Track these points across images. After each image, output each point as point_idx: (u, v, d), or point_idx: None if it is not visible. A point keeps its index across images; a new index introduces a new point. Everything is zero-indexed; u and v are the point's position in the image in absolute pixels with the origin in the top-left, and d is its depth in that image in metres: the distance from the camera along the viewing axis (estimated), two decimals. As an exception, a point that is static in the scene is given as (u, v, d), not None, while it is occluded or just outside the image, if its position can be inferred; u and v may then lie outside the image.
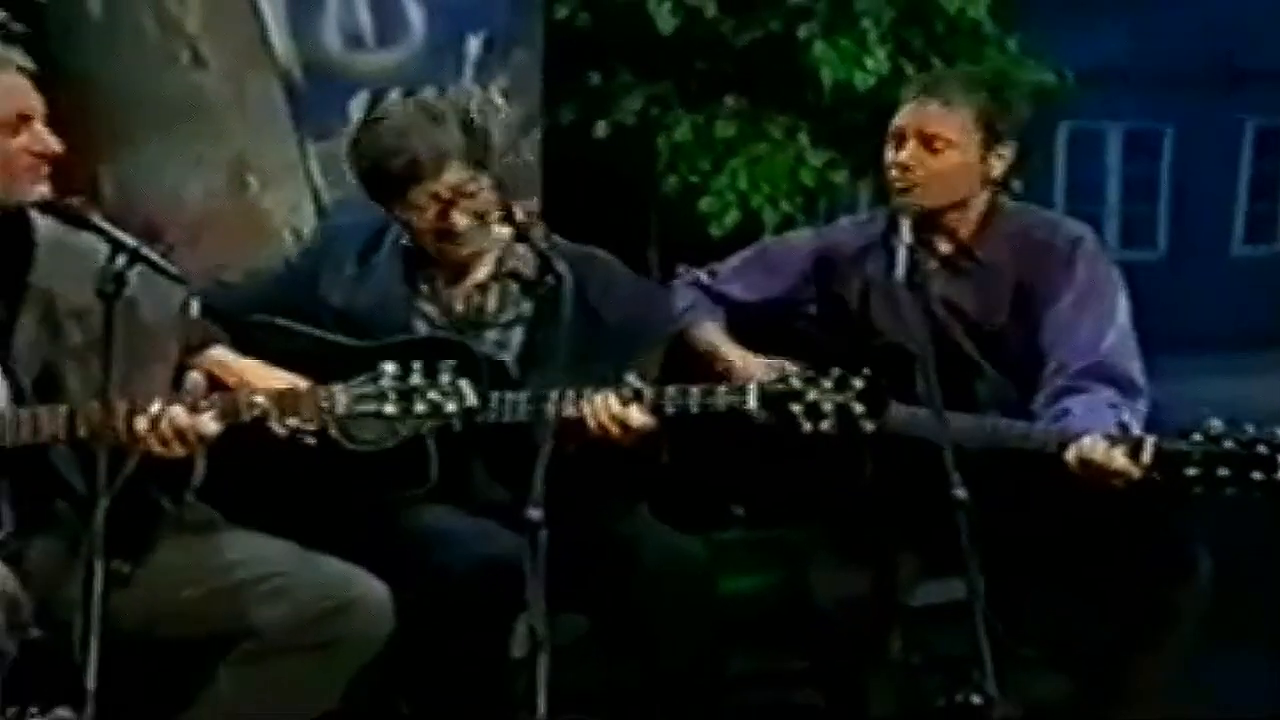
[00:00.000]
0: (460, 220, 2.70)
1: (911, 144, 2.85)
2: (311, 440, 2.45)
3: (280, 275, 2.94)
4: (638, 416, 2.58)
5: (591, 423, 2.58)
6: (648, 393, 2.60)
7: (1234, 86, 11.19)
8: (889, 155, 2.88)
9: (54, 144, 2.36)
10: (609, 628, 2.72)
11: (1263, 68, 10.68)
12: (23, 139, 2.33)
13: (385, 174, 2.71)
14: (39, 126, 2.35)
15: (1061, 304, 2.87)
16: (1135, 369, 2.85)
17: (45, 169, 2.34)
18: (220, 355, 2.66)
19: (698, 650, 2.74)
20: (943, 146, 2.84)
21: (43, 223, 2.39)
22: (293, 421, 2.38)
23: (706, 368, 2.89)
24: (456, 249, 2.75)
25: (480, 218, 2.71)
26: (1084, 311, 2.86)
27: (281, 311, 2.76)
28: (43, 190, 2.36)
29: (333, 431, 2.49)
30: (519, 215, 2.74)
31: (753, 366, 2.86)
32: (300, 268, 2.90)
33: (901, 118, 2.88)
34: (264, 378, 2.56)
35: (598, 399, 2.58)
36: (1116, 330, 2.86)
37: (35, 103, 2.35)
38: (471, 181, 2.68)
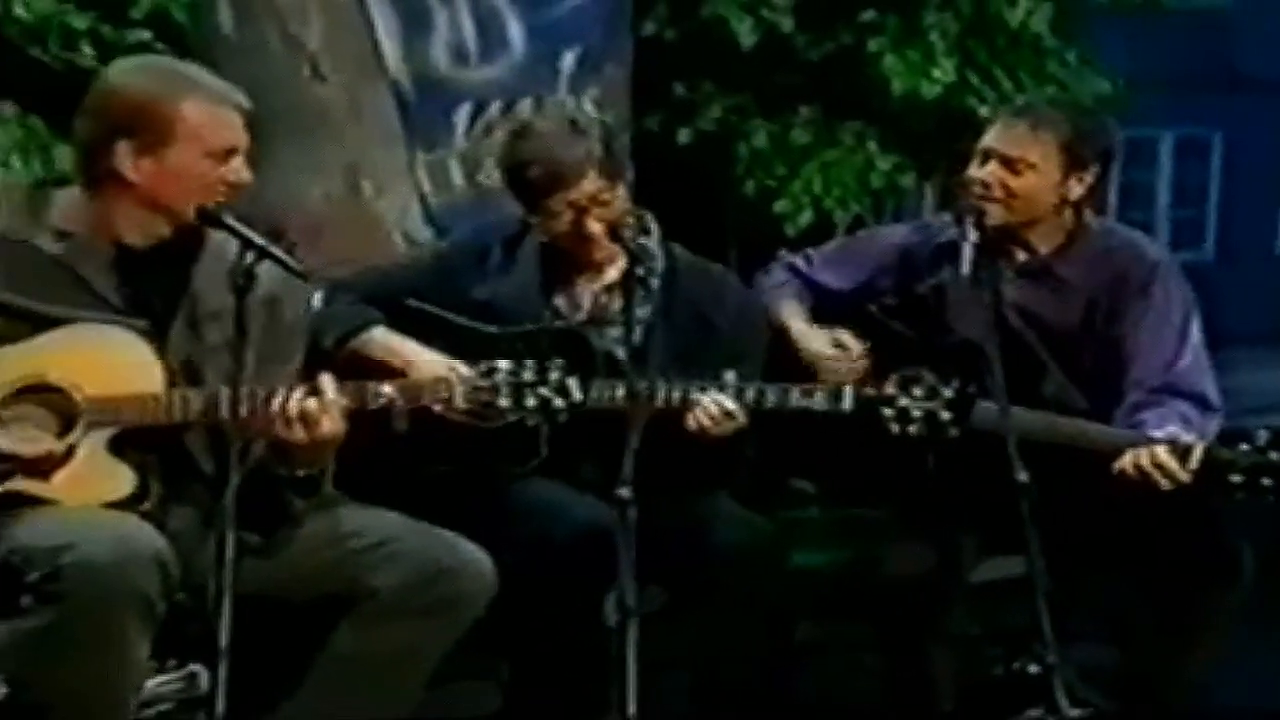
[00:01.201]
0: (594, 227, 2.72)
1: (994, 164, 2.83)
2: (462, 418, 2.48)
3: (427, 266, 2.97)
4: (740, 414, 2.60)
5: (702, 418, 2.59)
6: (750, 391, 2.62)
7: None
8: (971, 170, 2.87)
9: (248, 177, 2.41)
10: (687, 599, 2.73)
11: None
12: (224, 169, 2.38)
13: (527, 180, 2.73)
14: (239, 161, 2.40)
15: (1140, 325, 2.85)
16: (1209, 386, 2.85)
17: (232, 196, 2.39)
18: (383, 337, 2.72)
19: (767, 620, 2.75)
20: (1024, 169, 2.82)
21: (214, 235, 2.43)
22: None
23: (779, 337, 2.90)
24: (590, 253, 2.77)
25: (612, 224, 2.72)
26: (1160, 332, 2.85)
27: (428, 300, 2.79)
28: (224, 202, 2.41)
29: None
30: (652, 225, 2.77)
31: (812, 338, 2.87)
32: (444, 261, 2.93)
33: (989, 139, 2.87)
34: (425, 359, 2.61)
35: (705, 396, 2.60)
36: (1190, 350, 2.85)
37: (243, 139, 2.40)
38: (607, 191, 2.71)
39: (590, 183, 2.69)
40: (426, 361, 2.63)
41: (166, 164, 2.36)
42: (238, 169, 2.39)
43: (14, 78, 3.68)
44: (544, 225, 2.77)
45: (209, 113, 2.37)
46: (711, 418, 2.61)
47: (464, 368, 2.45)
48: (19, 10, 3.64)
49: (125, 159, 2.36)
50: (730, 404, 2.60)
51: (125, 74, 2.46)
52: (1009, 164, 2.82)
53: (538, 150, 2.72)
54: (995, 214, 2.82)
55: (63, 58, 3.65)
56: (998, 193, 2.82)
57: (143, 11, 3.75)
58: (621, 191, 2.74)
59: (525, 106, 3.77)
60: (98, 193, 2.40)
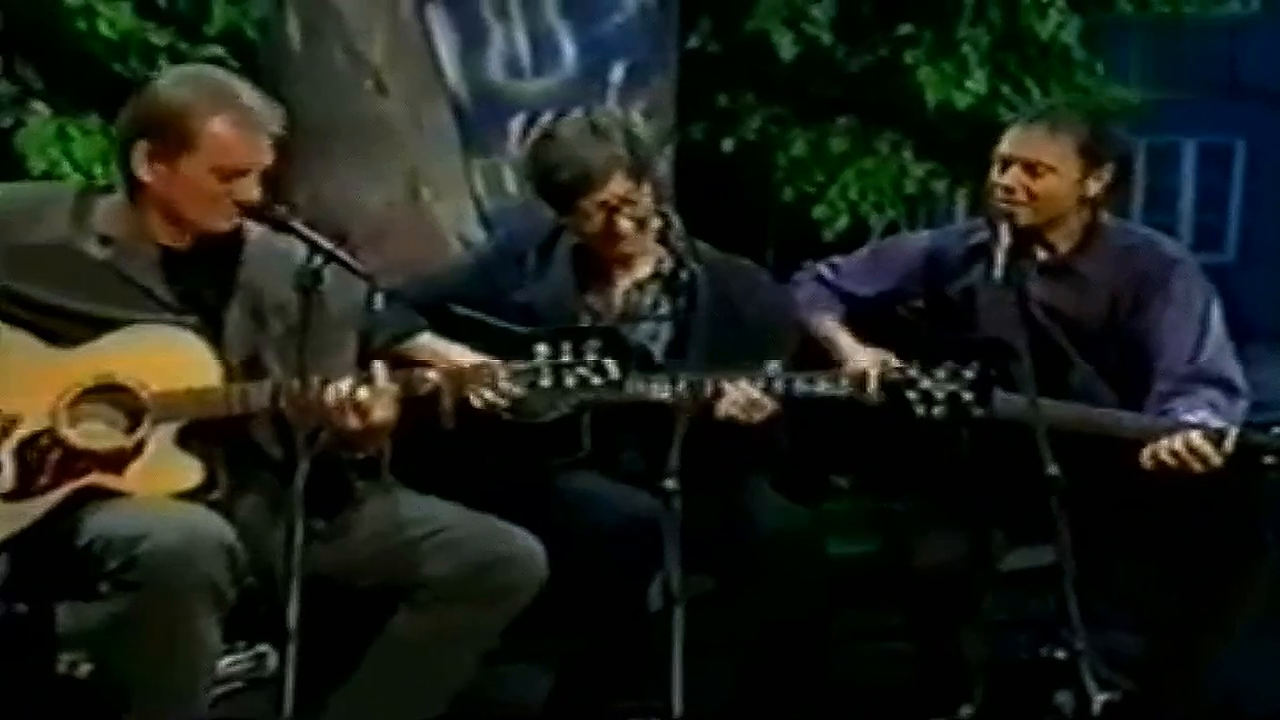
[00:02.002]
0: (624, 225, 2.70)
1: (1015, 169, 2.80)
2: (507, 415, 2.49)
3: (470, 271, 2.96)
4: (768, 403, 2.58)
5: (731, 408, 2.57)
6: (779, 380, 2.60)
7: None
8: (994, 177, 2.84)
9: (255, 196, 2.37)
10: (731, 586, 2.71)
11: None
12: (231, 186, 2.35)
13: (557, 185, 2.71)
14: (250, 179, 2.36)
15: (1162, 318, 2.82)
16: (1234, 372, 2.81)
17: (239, 213, 2.37)
18: (429, 342, 2.72)
19: (807, 607, 2.73)
20: (1044, 171, 2.79)
21: (254, 230, 2.45)
22: (489, 395, 2.41)
23: (823, 354, 2.87)
24: (621, 250, 2.75)
25: (641, 223, 2.71)
26: (1183, 324, 2.81)
27: (470, 303, 2.78)
28: (233, 224, 2.39)
29: (501, 407, 2.51)
30: (675, 223, 2.75)
31: (862, 357, 2.84)
32: (485, 267, 2.92)
33: (1008, 145, 2.83)
34: (469, 362, 2.58)
35: (729, 385, 2.58)
36: (1213, 339, 2.81)
37: (256, 158, 2.36)
38: (634, 191, 2.69)
39: (618, 184, 2.67)
40: (470, 363, 2.61)
41: (177, 171, 2.34)
42: (246, 188, 2.35)
43: (98, 91, 3.72)
44: (576, 227, 2.74)
45: (233, 133, 2.33)
46: (740, 407, 2.58)
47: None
48: (104, 28, 3.68)
49: (141, 159, 2.35)
50: (755, 393, 2.58)
51: (172, 80, 2.44)
52: (1029, 168, 2.79)
53: (564, 155, 2.69)
54: (1022, 216, 2.79)
55: (142, 72, 3.68)
56: (1021, 196, 2.79)
57: (216, 29, 3.79)
58: (648, 189, 2.71)
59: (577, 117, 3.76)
60: (134, 195, 2.39)
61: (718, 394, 2.58)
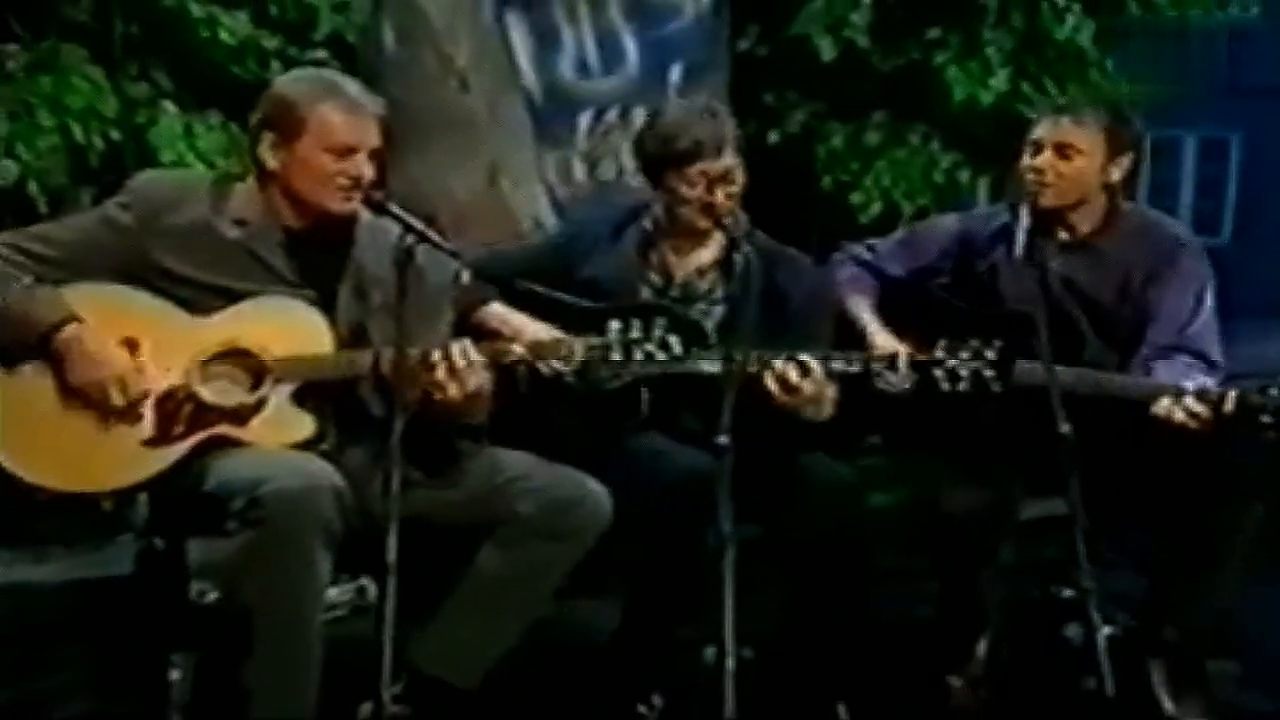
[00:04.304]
0: (721, 197, 2.68)
1: (1047, 152, 2.78)
2: (571, 379, 2.50)
3: (543, 249, 2.98)
4: (809, 385, 2.56)
5: (773, 385, 2.57)
6: (818, 359, 2.58)
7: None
8: (1025, 160, 2.81)
9: (367, 174, 2.40)
10: (779, 534, 2.72)
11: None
12: (343, 164, 2.39)
13: (670, 153, 2.67)
14: (361, 157, 2.40)
15: (1164, 292, 2.80)
16: (1213, 348, 2.79)
17: (356, 191, 2.40)
18: (498, 310, 2.72)
19: (850, 553, 2.74)
20: (1073, 154, 2.77)
21: (364, 215, 2.48)
22: (556, 364, 2.45)
23: (856, 337, 2.86)
24: (709, 222, 2.72)
25: (733, 199, 2.70)
26: (1180, 299, 2.80)
27: (539, 278, 2.78)
28: (352, 207, 2.42)
29: (569, 377, 2.53)
30: (739, 213, 2.73)
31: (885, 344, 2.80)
32: (559, 244, 2.93)
33: (1041, 130, 2.81)
34: (531, 328, 2.62)
35: (778, 365, 2.57)
36: (1203, 315, 2.80)
37: (362, 138, 2.39)
38: (736, 169, 2.68)
39: (728, 157, 2.66)
40: (532, 330, 2.61)
41: (295, 156, 2.38)
42: (358, 164, 2.38)
43: (218, 91, 3.77)
44: (676, 196, 2.70)
45: (339, 116, 2.38)
46: (781, 386, 2.55)
47: (559, 333, 2.46)
48: (224, 35, 3.73)
49: (267, 149, 2.40)
50: (794, 376, 2.55)
51: (286, 80, 2.51)
52: (1060, 150, 2.77)
53: (681, 127, 2.67)
54: (1049, 197, 2.77)
55: (257, 74, 3.73)
56: (1050, 178, 2.77)
57: (322, 34, 3.83)
58: (743, 172, 2.70)
59: (639, 113, 3.77)
60: (263, 184, 2.44)
61: (762, 370, 2.57)
